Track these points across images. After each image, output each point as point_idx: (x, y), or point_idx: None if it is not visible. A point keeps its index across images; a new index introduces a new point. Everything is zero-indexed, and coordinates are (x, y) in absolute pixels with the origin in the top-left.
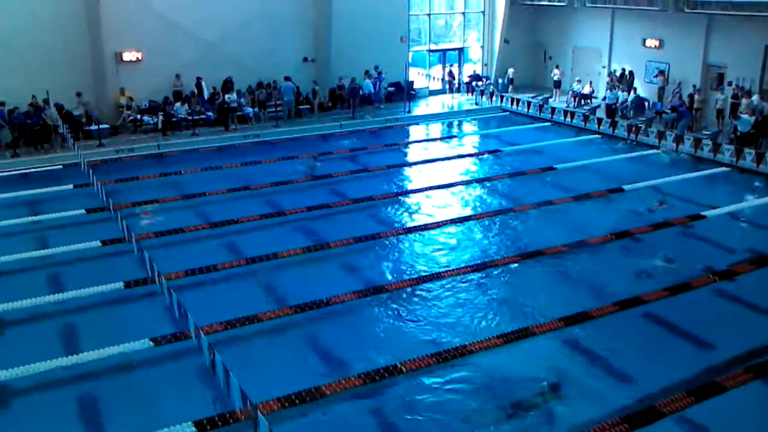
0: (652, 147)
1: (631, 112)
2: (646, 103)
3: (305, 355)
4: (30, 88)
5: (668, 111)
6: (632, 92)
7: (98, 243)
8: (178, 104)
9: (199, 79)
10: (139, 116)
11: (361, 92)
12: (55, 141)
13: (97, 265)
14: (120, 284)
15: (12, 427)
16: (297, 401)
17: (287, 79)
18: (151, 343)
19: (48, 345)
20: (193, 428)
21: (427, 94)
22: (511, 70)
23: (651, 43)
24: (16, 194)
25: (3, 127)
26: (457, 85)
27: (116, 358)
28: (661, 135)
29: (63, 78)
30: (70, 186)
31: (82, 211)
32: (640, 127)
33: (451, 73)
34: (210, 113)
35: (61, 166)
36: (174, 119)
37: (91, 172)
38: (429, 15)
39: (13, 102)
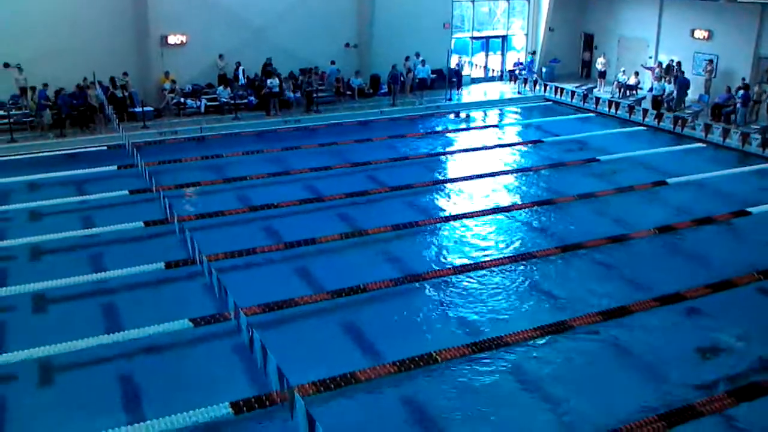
0: (698, 140)
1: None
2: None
3: (341, 341)
4: (78, 69)
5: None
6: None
7: (141, 223)
8: (220, 88)
9: (238, 64)
10: (182, 99)
11: (413, 77)
12: (99, 122)
13: (140, 245)
14: (161, 264)
15: (54, 401)
16: (332, 386)
17: (332, 63)
18: (190, 323)
19: (90, 323)
20: (230, 409)
21: (469, 82)
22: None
23: (700, 34)
24: (62, 174)
25: (46, 108)
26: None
27: (156, 337)
28: (707, 128)
29: (110, 60)
30: (115, 167)
31: (126, 191)
32: (687, 119)
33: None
34: (252, 98)
35: (105, 147)
36: (217, 103)
37: (135, 153)
38: (473, 1)
39: (62, 83)
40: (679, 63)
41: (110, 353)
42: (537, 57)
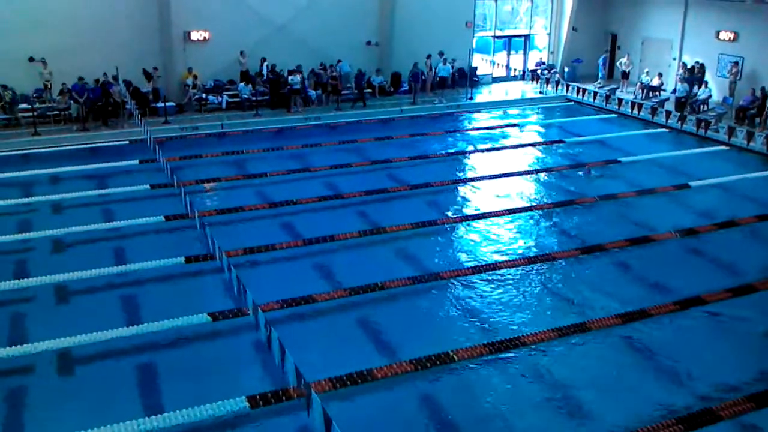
0: (721, 143)
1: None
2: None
3: (358, 338)
4: (100, 65)
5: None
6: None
7: (162, 218)
8: (242, 84)
9: (263, 60)
10: (204, 95)
11: (434, 75)
12: (122, 116)
13: (160, 240)
14: (181, 259)
15: (74, 392)
16: (348, 383)
17: (339, 62)
18: (209, 317)
19: (110, 315)
20: (247, 403)
21: (491, 81)
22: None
23: (725, 35)
24: (84, 167)
25: (77, 102)
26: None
27: (175, 330)
28: (731, 131)
29: (133, 55)
30: (136, 161)
31: (147, 186)
32: (710, 121)
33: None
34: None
35: (127, 142)
36: (238, 99)
37: (157, 148)
38: (495, 0)
39: (85, 78)
40: (702, 65)
41: (129, 345)
42: (558, 56)
